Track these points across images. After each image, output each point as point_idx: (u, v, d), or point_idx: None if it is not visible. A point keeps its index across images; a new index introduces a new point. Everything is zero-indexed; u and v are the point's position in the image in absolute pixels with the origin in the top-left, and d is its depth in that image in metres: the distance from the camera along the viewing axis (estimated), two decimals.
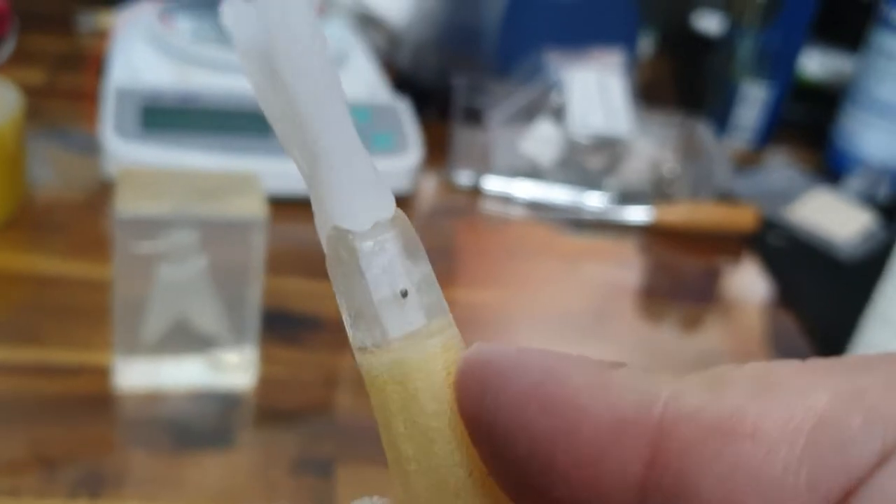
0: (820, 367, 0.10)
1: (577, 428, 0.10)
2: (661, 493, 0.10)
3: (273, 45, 0.11)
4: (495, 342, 0.12)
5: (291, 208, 0.55)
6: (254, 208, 0.39)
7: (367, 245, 0.12)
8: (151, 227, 0.38)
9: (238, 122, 0.56)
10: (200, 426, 0.39)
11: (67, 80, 0.68)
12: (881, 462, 0.08)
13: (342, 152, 0.12)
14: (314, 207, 0.12)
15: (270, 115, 0.12)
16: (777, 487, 0.09)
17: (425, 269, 0.13)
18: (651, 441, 0.10)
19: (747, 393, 0.10)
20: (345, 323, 0.12)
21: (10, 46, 0.70)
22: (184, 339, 0.41)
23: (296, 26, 0.11)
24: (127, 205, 0.38)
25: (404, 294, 0.12)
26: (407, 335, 0.12)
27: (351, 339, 0.12)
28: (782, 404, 0.09)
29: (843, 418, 0.09)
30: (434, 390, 0.12)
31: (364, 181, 0.12)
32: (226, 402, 0.41)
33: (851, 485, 0.09)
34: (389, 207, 0.12)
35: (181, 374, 0.41)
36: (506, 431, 0.11)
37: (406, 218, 0.13)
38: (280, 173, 0.54)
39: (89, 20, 0.76)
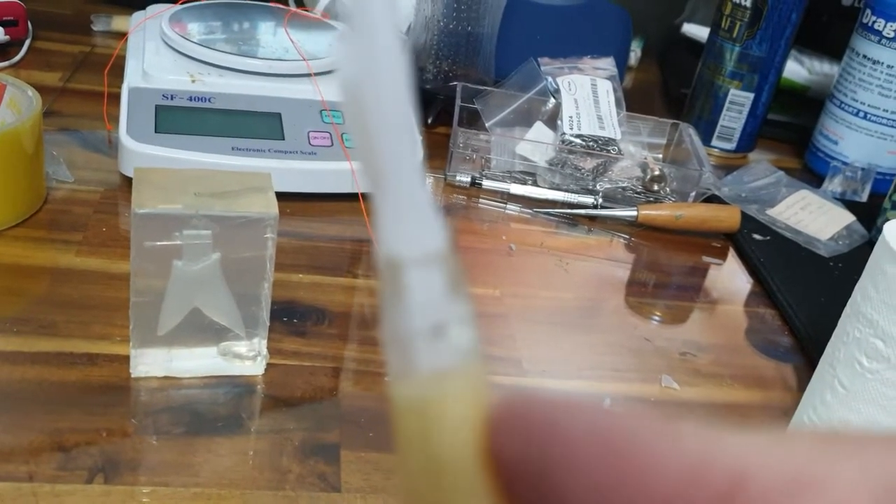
0: (891, 437, 0.10)
1: (647, 475, 0.10)
2: None
3: (363, 88, 0.12)
4: (532, 389, 0.12)
5: (299, 206, 0.57)
6: (266, 206, 0.41)
7: (414, 273, 0.12)
8: (167, 223, 0.39)
9: (247, 124, 0.58)
10: (212, 413, 0.41)
11: (82, 81, 0.70)
12: None
13: (403, 183, 0.12)
14: (378, 233, 0.13)
15: (353, 137, 0.13)
16: None
17: (466, 307, 0.12)
18: (724, 492, 0.10)
19: (819, 451, 0.10)
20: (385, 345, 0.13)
21: (25, 48, 0.72)
22: (197, 330, 0.42)
23: (384, 73, 0.12)
24: (144, 202, 0.39)
25: (441, 329, 0.12)
26: (436, 372, 0.12)
27: (387, 362, 0.12)
28: (855, 464, 0.10)
29: None
30: (451, 430, 0.12)
31: (420, 213, 0.12)
32: (237, 391, 0.43)
33: None
34: (441, 242, 0.12)
35: (194, 363, 0.43)
36: (557, 478, 0.11)
37: (455, 256, 0.13)
38: (287, 173, 0.56)
39: (104, 23, 0.78)
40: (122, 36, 0.70)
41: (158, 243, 0.40)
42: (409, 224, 0.12)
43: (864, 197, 0.73)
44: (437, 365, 0.12)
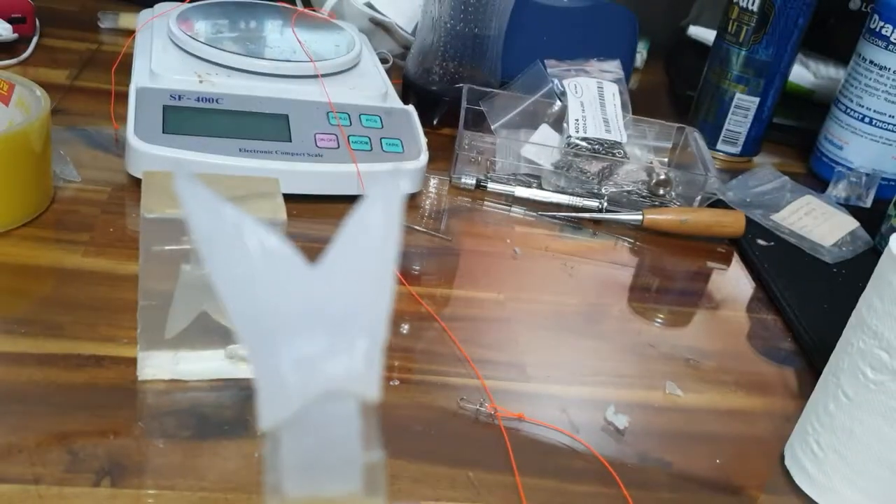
0: None
1: None
2: None
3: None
4: None
5: (305, 208, 0.57)
6: (274, 212, 0.41)
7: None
8: (176, 227, 0.39)
9: (254, 126, 0.58)
10: (219, 417, 0.41)
11: (89, 79, 0.70)
12: None
13: None
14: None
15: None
16: None
17: None
18: None
19: None
20: None
21: (33, 45, 0.72)
22: (204, 333, 0.42)
23: None
24: (153, 206, 0.39)
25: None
26: None
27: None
28: None
29: None
30: None
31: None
32: (243, 394, 0.43)
33: None
34: None
35: (201, 366, 0.43)
36: None
37: None
38: (294, 174, 0.56)
39: (111, 20, 0.78)
40: (129, 33, 0.69)
41: (167, 247, 0.40)
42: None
43: (869, 203, 0.73)
44: None
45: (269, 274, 0.13)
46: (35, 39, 0.73)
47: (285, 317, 0.13)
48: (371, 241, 0.13)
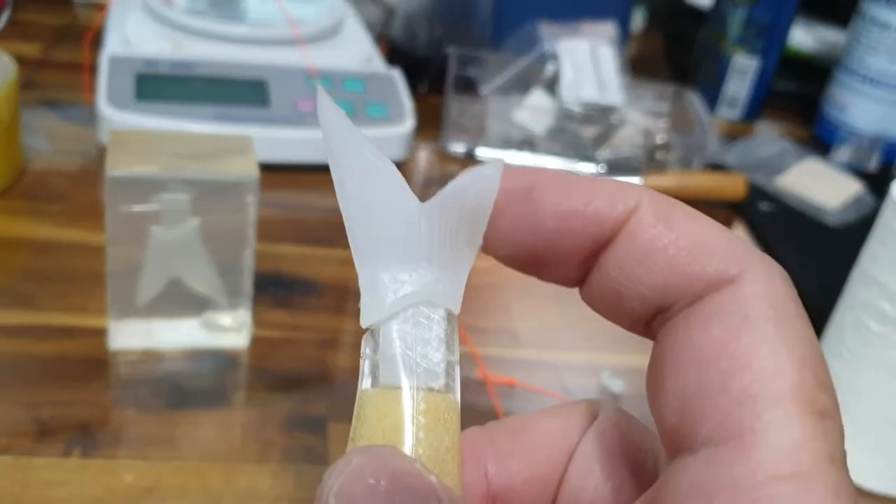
0: None
1: (575, 199, 0.16)
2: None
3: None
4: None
5: (283, 176, 0.55)
6: (246, 169, 0.39)
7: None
8: (143, 187, 0.38)
9: (231, 91, 0.56)
10: (194, 386, 0.40)
11: (63, 52, 0.68)
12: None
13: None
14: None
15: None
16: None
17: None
18: (624, 210, 0.15)
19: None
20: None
21: (5, 19, 0.70)
22: (178, 300, 0.41)
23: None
24: (118, 164, 0.38)
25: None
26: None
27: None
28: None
29: None
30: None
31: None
32: (220, 363, 0.41)
33: None
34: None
35: (175, 335, 0.41)
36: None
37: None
38: (272, 142, 0.54)
39: None
40: (103, 8, 0.68)
41: (134, 208, 0.38)
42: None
43: (873, 166, 0.71)
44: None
45: (383, 202, 0.16)
46: (7, 13, 0.71)
47: (391, 242, 0.16)
48: (469, 197, 0.16)
